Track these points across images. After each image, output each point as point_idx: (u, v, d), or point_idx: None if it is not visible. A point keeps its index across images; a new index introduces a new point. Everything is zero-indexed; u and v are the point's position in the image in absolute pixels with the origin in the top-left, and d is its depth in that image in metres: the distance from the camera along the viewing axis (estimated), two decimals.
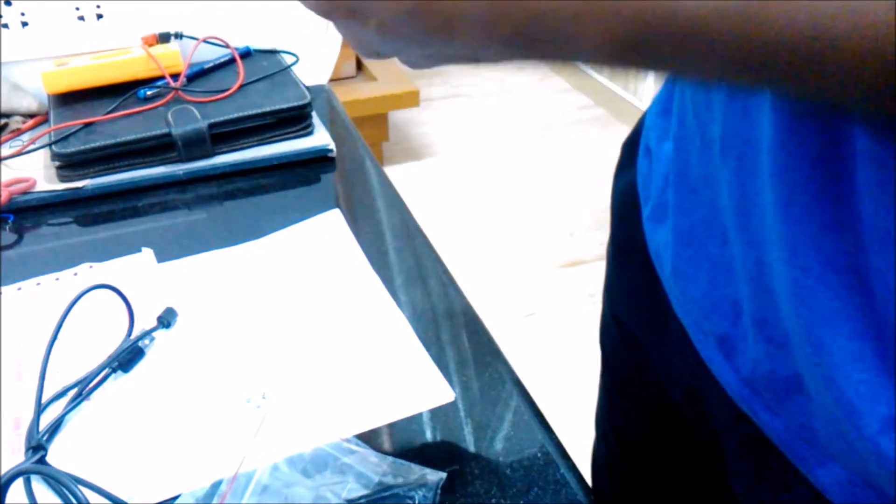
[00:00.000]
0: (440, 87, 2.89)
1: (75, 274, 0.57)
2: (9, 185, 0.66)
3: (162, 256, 0.59)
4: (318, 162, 0.73)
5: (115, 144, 0.68)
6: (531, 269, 1.95)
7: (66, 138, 0.68)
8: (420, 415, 0.46)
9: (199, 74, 0.78)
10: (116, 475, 0.42)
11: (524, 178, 2.33)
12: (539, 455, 0.44)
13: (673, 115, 0.45)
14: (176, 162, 0.70)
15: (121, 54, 0.76)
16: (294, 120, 0.73)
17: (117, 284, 0.50)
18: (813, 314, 0.32)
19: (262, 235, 0.61)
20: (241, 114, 0.71)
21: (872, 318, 0.30)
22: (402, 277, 0.57)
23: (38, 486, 0.40)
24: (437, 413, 0.46)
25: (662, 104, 0.49)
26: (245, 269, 0.58)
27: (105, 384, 0.47)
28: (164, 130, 0.69)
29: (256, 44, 0.83)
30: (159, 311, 0.52)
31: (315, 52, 0.86)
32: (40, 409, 0.44)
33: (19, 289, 0.56)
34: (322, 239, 0.61)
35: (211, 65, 0.80)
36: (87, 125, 0.70)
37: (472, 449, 0.44)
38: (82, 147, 0.67)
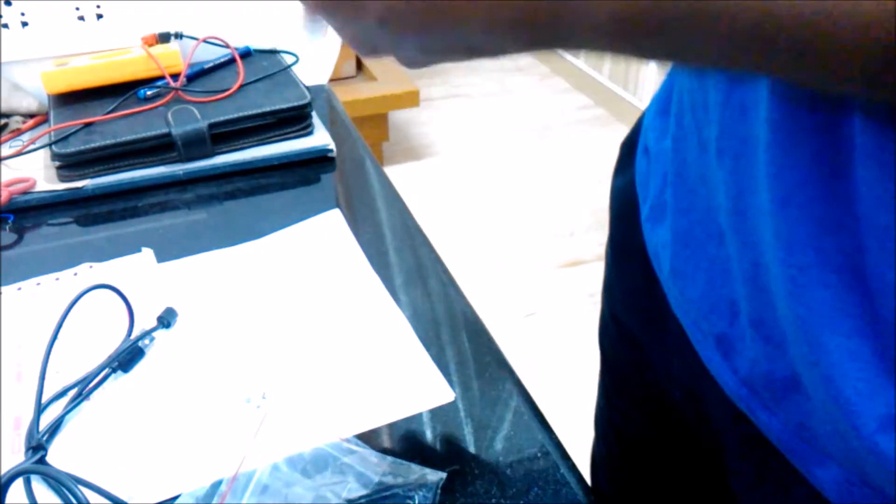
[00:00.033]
0: (440, 87, 2.89)
1: (75, 274, 0.57)
2: (9, 185, 0.66)
3: (162, 256, 0.59)
4: (318, 162, 0.73)
5: (115, 144, 0.68)
6: (531, 269, 1.95)
7: (66, 138, 0.68)
8: (420, 415, 0.46)
9: (199, 74, 0.78)
10: (116, 475, 0.42)
11: (524, 178, 2.33)
12: (539, 455, 0.44)
13: (671, 114, 0.45)
14: (176, 162, 0.70)
15: (121, 54, 0.76)
16: (294, 120, 0.73)
17: (117, 284, 0.50)
18: (810, 313, 0.32)
19: (262, 235, 0.61)
20: (241, 114, 0.71)
21: (870, 317, 0.30)
22: (402, 277, 0.57)
23: (38, 486, 0.40)
24: (437, 413, 0.46)
25: (661, 104, 0.49)
26: (245, 269, 0.58)
27: (105, 384, 0.47)
28: (164, 130, 0.69)
29: (256, 44, 0.83)
30: (159, 311, 0.52)
31: (315, 52, 0.86)
32: (40, 409, 0.44)
33: (19, 289, 0.56)
34: (322, 239, 0.61)
35: (211, 65, 0.80)
36: (87, 125, 0.70)
37: (472, 449, 0.44)
38: (82, 147, 0.67)
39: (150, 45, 0.77)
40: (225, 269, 0.58)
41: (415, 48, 0.29)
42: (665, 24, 0.23)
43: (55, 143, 0.67)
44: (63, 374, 0.48)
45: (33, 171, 0.69)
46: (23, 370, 0.49)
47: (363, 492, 0.40)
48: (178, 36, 0.79)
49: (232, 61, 0.81)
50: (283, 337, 0.51)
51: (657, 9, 0.23)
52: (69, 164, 0.67)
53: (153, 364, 0.49)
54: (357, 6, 0.27)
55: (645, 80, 2.54)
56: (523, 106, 2.78)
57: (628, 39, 0.24)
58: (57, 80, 0.73)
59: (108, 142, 0.68)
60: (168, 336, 0.51)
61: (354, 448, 0.42)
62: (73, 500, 0.39)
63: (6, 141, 0.73)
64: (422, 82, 2.57)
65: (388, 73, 2.32)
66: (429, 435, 0.45)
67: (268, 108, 0.72)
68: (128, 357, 0.48)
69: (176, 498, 0.41)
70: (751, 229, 0.35)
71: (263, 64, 0.81)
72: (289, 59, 0.82)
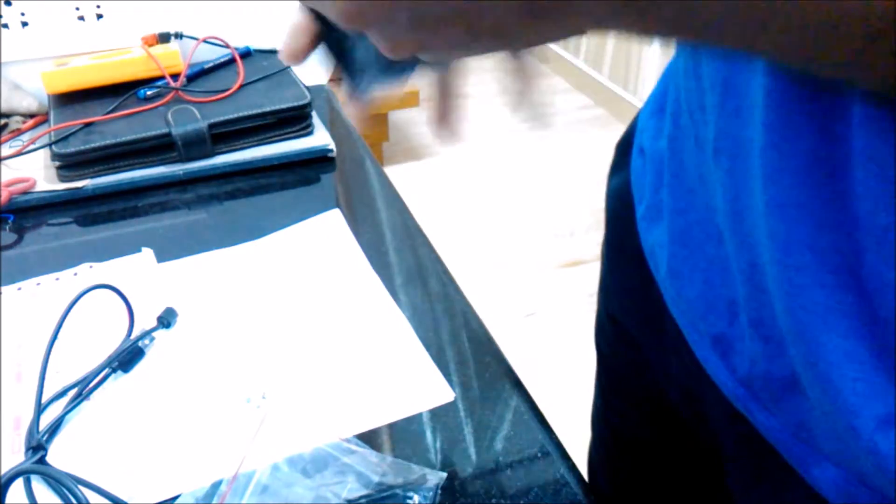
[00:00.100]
0: None
1: (75, 274, 0.57)
2: (9, 185, 0.66)
3: (162, 256, 0.59)
4: (318, 162, 0.73)
5: (115, 144, 0.68)
6: (531, 269, 1.95)
7: (66, 138, 0.68)
8: (420, 415, 0.46)
9: (199, 74, 0.78)
10: (116, 475, 0.42)
11: (524, 178, 2.33)
12: (539, 455, 0.44)
13: (667, 114, 0.45)
14: (176, 162, 0.70)
15: (121, 54, 0.76)
16: (294, 120, 0.73)
17: (117, 284, 0.50)
18: (808, 313, 0.32)
19: (262, 235, 0.61)
20: (241, 114, 0.71)
21: (868, 317, 0.30)
22: (402, 277, 0.57)
23: (38, 486, 0.40)
24: (437, 413, 0.46)
25: (656, 104, 0.49)
26: (245, 269, 0.58)
27: (105, 384, 0.47)
28: (164, 130, 0.69)
29: (256, 44, 0.83)
30: (159, 311, 0.52)
31: (315, 51, 0.86)
32: (40, 409, 0.44)
33: (19, 289, 0.56)
34: (322, 239, 0.61)
35: (211, 65, 0.80)
36: (87, 125, 0.70)
37: (472, 449, 0.44)
38: (82, 147, 0.67)
39: (150, 45, 0.77)
40: (225, 269, 0.58)
41: (456, 49, 0.27)
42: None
43: (55, 143, 0.67)
44: (63, 374, 0.48)
45: (33, 171, 0.69)
46: (23, 370, 0.49)
47: (363, 492, 0.40)
48: (178, 36, 0.79)
49: (232, 61, 0.81)
50: (283, 337, 0.51)
51: None
52: (69, 164, 0.67)
53: (153, 364, 0.49)
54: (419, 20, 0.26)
55: (645, 80, 2.54)
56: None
57: (638, 16, 0.24)
58: (57, 80, 0.73)
59: (108, 142, 0.68)
60: (168, 336, 0.51)
61: (354, 448, 0.42)
62: (73, 500, 0.39)
63: (6, 141, 0.73)
64: (422, 82, 2.57)
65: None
66: (429, 435, 0.45)
67: (268, 108, 0.72)
68: (128, 357, 0.48)
69: (176, 498, 0.41)
70: (748, 230, 0.35)
71: (263, 64, 0.81)
72: None
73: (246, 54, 0.82)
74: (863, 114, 0.27)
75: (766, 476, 0.41)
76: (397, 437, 0.45)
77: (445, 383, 0.48)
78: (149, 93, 0.73)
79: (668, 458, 0.58)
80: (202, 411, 0.46)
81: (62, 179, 0.68)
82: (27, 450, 0.42)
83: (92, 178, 0.68)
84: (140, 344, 0.49)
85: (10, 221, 0.65)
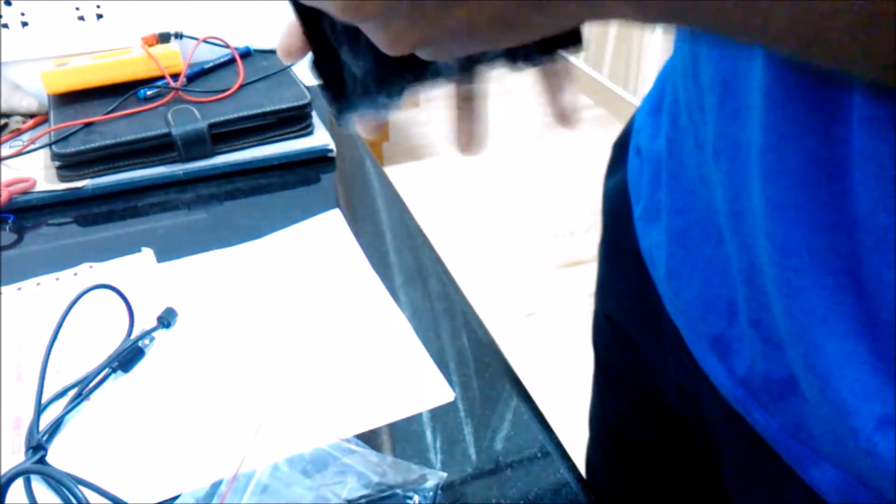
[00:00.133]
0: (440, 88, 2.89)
1: (75, 274, 0.57)
2: (9, 185, 0.66)
3: (162, 256, 0.59)
4: (318, 162, 0.73)
5: (115, 144, 0.68)
6: (531, 269, 1.95)
7: (66, 138, 0.68)
8: (420, 415, 0.46)
9: (199, 74, 0.78)
10: (116, 475, 0.42)
11: (524, 178, 2.33)
12: (539, 455, 0.44)
13: (664, 114, 0.45)
14: (176, 162, 0.70)
15: (121, 54, 0.76)
16: (294, 120, 0.73)
17: (117, 284, 0.50)
18: (806, 314, 0.32)
19: (262, 235, 0.61)
20: (241, 114, 0.71)
21: (866, 317, 0.30)
22: (402, 277, 0.57)
23: (38, 486, 0.40)
24: (437, 413, 0.46)
25: (653, 104, 0.49)
26: (245, 269, 0.58)
27: (105, 384, 0.47)
28: (164, 130, 0.69)
29: (256, 44, 0.83)
30: (159, 311, 0.52)
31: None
32: (40, 409, 0.44)
33: (19, 289, 0.56)
34: (322, 239, 0.61)
35: (211, 65, 0.80)
36: (87, 125, 0.70)
37: (472, 449, 0.44)
38: (82, 147, 0.67)
39: (150, 45, 0.77)
40: (225, 269, 0.58)
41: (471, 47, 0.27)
42: None
43: (55, 143, 0.67)
44: (63, 374, 0.48)
45: (33, 171, 0.69)
46: (23, 370, 0.49)
47: (363, 492, 0.40)
48: (178, 36, 0.79)
49: (232, 61, 0.81)
50: (283, 337, 0.51)
51: None
52: (69, 164, 0.67)
53: (153, 364, 0.49)
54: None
55: (645, 80, 2.54)
56: (523, 106, 2.78)
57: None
58: (57, 80, 0.73)
59: (108, 142, 0.68)
60: (168, 336, 0.51)
61: (354, 448, 0.42)
62: (73, 500, 0.39)
63: (6, 141, 0.73)
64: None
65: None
66: (429, 435, 0.45)
67: (268, 108, 0.72)
68: (128, 357, 0.48)
69: (176, 498, 0.41)
70: (747, 231, 0.35)
71: (263, 64, 0.81)
72: None
73: (246, 54, 0.82)
74: (862, 114, 0.27)
75: (765, 477, 0.41)
76: (397, 437, 0.45)
77: (445, 383, 0.48)
78: (149, 93, 0.73)
79: (666, 459, 0.58)
80: (202, 411, 0.46)
81: (62, 179, 0.68)
82: (27, 450, 0.42)
83: (92, 178, 0.68)
84: (140, 344, 0.49)
85: (10, 221, 0.65)
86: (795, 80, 0.29)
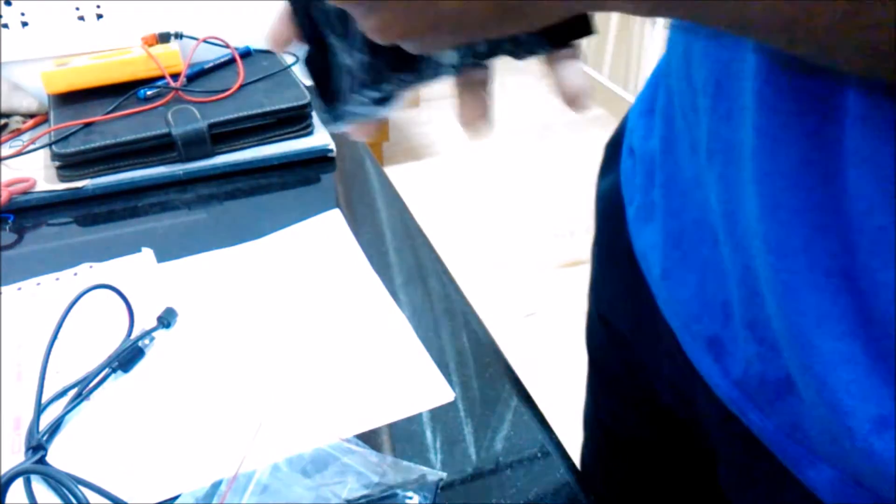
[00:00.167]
0: (440, 87, 2.88)
1: (75, 274, 0.57)
2: (9, 185, 0.66)
3: (162, 256, 0.59)
4: (318, 162, 0.73)
5: (115, 144, 0.68)
6: (531, 269, 1.95)
7: (66, 138, 0.68)
8: (420, 415, 0.46)
9: (199, 74, 0.78)
10: (116, 475, 0.42)
11: (524, 178, 2.33)
12: (539, 455, 0.44)
13: (657, 115, 0.45)
14: (176, 162, 0.70)
15: (121, 54, 0.76)
16: (294, 120, 0.73)
17: (117, 284, 0.50)
18: (802, 316, 0.32)
19: (262, 235, 0.61)
20: (241, 114, 0.71)
21: (862, 319, 0.30)
22: (402, 277, 0.57)
23: (38, 486, 0.40)
24: (437, 413, 0.46)
25: (645, 104, 0.49)
26: (245, 269, 0.58)
27: (105, 384, 0.47)
28: (164, 130, 0.69)
29: (256, 44, 0.83)
30: (159, 311, 0.52)
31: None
32: (40, 409, 0.44)
33: (19, 289, 0.56)
34: (322, 239, 0.61)
35: (211, 65, 0.80)
36: (87, 125, 0.70)
37: (472, 449, 0.44)
38: (82, 147, 0.67)
39: (150, 45, 0.77)
40: (225, 269, 0.58)
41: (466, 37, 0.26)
42: None
43: (55, 143, 0.67)
44: (63, 374, 0.48)
45: (33, 171, 0.69)
46: (23, 370, 0.49)
47: (363, 492, 0.40)
48: (178, 36, 0.79)
49: (232, 61, 0.81)
50: (283, 337, 0.51)
51: None
52: (69, 164, 0.67)
53: (153, 364, 0.49)
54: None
55: (645, 80, 2.54)
56: (523, 106, 2.78)
57: None
58: (57, 80, 0.73)
59: (108, 142, 0.68)
60: (168, 336, 0.51)
61: (354, 448, 0.42)
62: (73, 500, 0.39)
63: (6, 141, 0.73)
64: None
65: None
66: (429, 435, 0.45)
67: (268, 108, 0.72)
68: (128, 357, 0.48)
69: (176, 498, 0.41)
70: (742, 233, 0.35)
71: (263, 64, 0.81)
72: (289, 59, 0.82)
73: (246, 54, 0.82)
74: (856, 114, 0.27)
75: (760, 477, 0.41)
76: (397, 437, 0.45)
77: (445, 383, 0.48)
78: (149, 93, 0.73)
79: (662, 460, 0.58)
80: (202, 411, 0.46)
81: (62, 179, 0.68)
82: (27, 450, 0.42)
83: (92, 178, 0.68)
84: (140, 344, 0.49)
85: (10, 221, 0.65)
86: (788, 81, 0.29)
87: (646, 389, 0.52)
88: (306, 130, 0.74)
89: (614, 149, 0.53)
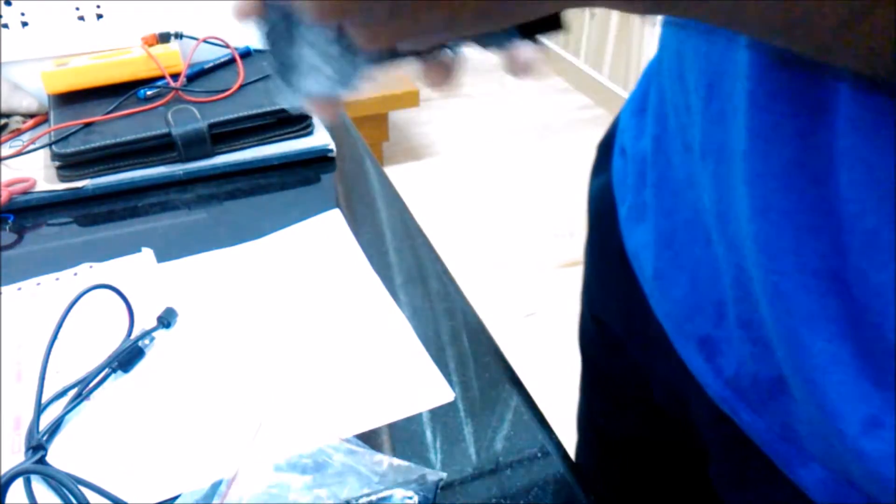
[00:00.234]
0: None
1: (75, 274, 0.57)
2: (9, 185, 0.66)
3: (162, 256, 0.59)
4: (318, 162, 0.73)
5: (115, 144, 0.68)
6: (531, 269, 1.95)
7: (66, 138, 0.68)
8: (420, 415, 0.46)
9: (199, 74, 0.78)
10: (116, 475, 0.42)
11: (524, 178, 2.33)
12: (539, 455, 0.44)
13: (648, 114, 0.45)
14: (176, 162, 0.70)
15: (121, 54, 0.76)
16: (294, 120, 0.73)
17: (117, 284, 0.50)
18: (792, 317, 0.32)
19: (262, 235, 0.61)
20: (241, 114, 0.71)
21: (852, 320, 0.30)
22: (402, 277, 0.57)
23: (38, 486, 0.40)
24: (437, 413, 0.46)
25: (637, 104, 0.49)
26: (245, 269, 0.58)
27: (105, 384, 0.47)
28: (164, 130, 0.69)
29: (256, 44, 0.83)
30: (159, 311, 0.52)
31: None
32: (40, 409, 0.44)
33: (19, 289, 0.56)
34: (322, 239, 0.61)
35: (211, 65, 0.80)
36: (87, 125, 0.70)
37: (472, 449, 0.44)
38: (82, 147, 0.67)
39: (150, 45, 0.77)
40: (225, 269, 0.58)
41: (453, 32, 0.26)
42: None
43: (55, 143, 0.67)
44: (63, 374, 0.48)
45: (33, 171, 0.69)
46: (23, 370, 0.49)
47: (363, 492, 0.40)
48: (178, 36, 0.79)
49: (232, 61, 0.81)
50: (283, 337, 0.51)
51: None
52: (69, 164, 0.67)
53: (153, 364, 0.49)
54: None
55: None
56: (523, 106, 2.78)
57: None
58: (57, 80, 0.73)
59: (108, 142, 0.68)
60: (168, 336, 0.51)
61: (354, 448, 0.42)
62: (73, 500, 0.39)
63: (6, 141, 0.73)
64: (422, 82, 2.57)
65: (388, 73, 2.32)
66: (429, 435, 0.45)
67: (268, 108, 0.72)
68: (128, 357, 0.48)
69: (176, 498, 0.41)
70: (733, 233, 0.35)
71: (263, 64, 0.81)
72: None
73: (246, 54, 0.82)
74: (849, 115, 0.27)
75: (752, 476, 0.41)
76: (397, 437, 0.45)
77: (445, 383, 0.48)
78: (149, 93, 0.73)
79: (655, 460, 0.58)
80: (202, 411, 0.46)
81: (62, 179, 0.68)
82: (27, 450, 0.42)
83: (92, 178, 0.68)
84: (140, 344, 0.49)
85: (10, 221, 0.65)
86: (780, 82, 0.29)
87: (639, 389, 0.52)
88: (306, 130, 0.74)
89: (606, 149, 0.53)
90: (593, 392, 0.62)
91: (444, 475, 0.41)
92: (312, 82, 0.30)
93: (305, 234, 0.62)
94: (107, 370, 0.47)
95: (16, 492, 0.40)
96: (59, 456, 0.43)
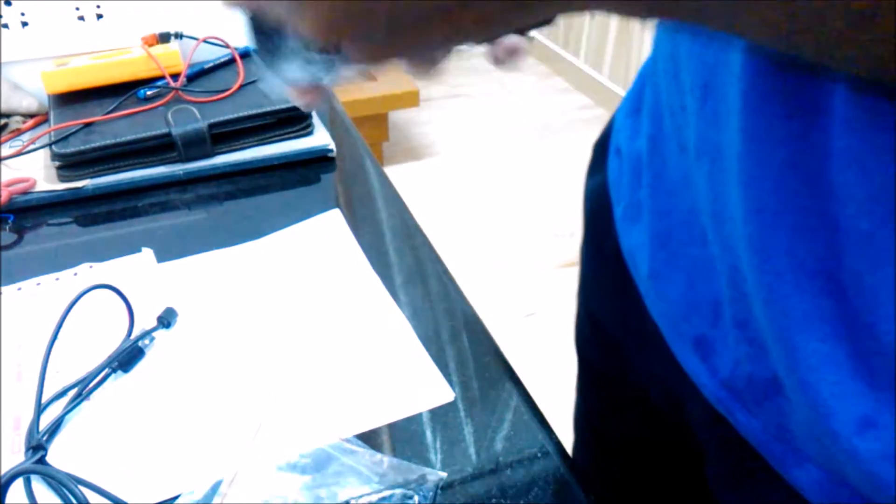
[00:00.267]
0: (440, 87, 2.89)
1: (75, 274, 0.57)
2: (9, 185, 0.66)
3: (162, 256, 0.59)
4: (318, 162, 0.73)
5: (115, 144, 0.68)
6: (531, 269, 1.95)
7: (66, 138, 0.68)
8: (420, 415, 0.46)
9: (199, 74, 0.78)
10: (116, 475, 0.42)
11: (524, 178, 2.33)
12: (539, 455, 0.44)
13: (644, 114, 0.45)
14: (176, 162, 0.70)
15: (121, 54, 0.76)
16: (294, 120, 0.73)
17: (117, 284, 0.50)
18: (786, 318, 0.32)
19: (262, 235, 0.61)
20: (241, 114, 0.71)
21: (845, 321, 0.30)
22: (402, 277, 0.57)
23: (38, 486, 0.40)
24: (437, 413, 0.46)
25: (632, 104, 0.49)
26: (245, 269, 0.58)
27: (105, 384, 0.47)
28: (164, 130, 0.69)
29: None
30: (159, 311, 0.52)
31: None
32: (40, 409, 0.44)
33: (19, 289, 0.56)
34: (322, 239, 0.61)
35: (211, 65, 0.80)
36: (87, 125, 0.70)
37: (472, 449, 0.44)
38: (82, 147, 0.67)
39: (150, 45, 0.77)
40: (225, 269, 0.58)
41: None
42: None
43: (55, 143, 0.67)
44: (63, 374, 0.48)
45: (33, 171, 0.69)
46: (23, 370, 0.49)
47: (363, 492, 0.40)
48: (178, 36, 0.79)
49: (232, 61, 0.81)
50: (283, 337, 0.51)
51: None
52: (69, 164, 0.67)
53: (153, 364, 0.49)
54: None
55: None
56: (523, 106, 2.78)
57: None
58: (57, 80, 0.73)
59: (108, 142, 0.68)
60: (168, 336, 0.51)
61: (354, 448, 0.42)
62: (73, 500, 0.39)
63: (6, 141, 0.73)
64: (422, 82, 2.57)
65: (388, 73, 2.32)
66: (429, 435, 0.45)
67: (268, 108, 0.72)
68: (128, 357, 0.48)
69: (176, 498, 0.41)
70: (728, 234, 0.35)
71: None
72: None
73: (246, 54, 0.82)
74: (846, 117, 0.27)
75: (747, 477, 0.41)
76: (397, 437, 0.45)
77: (445, 383, 0.48)
78: (149, 93, 0.73)
79: (652, 459, 0.58)
80: (202, 411, 0.46)
81: (62, 179, 0.68)
82: (27, 450, 0.42)
83: (92, 178, 0.68)
84: (140, 344, 0.49)
85: (10, 221, 0.65)
86: (774, 83, 0.29)
87: (635, 389, 0.52)
88: (306, 130, 0.74)
89: (602, 149, 0.54)
90: (589, 392, 0.62)
91: (444, 475, 0.41)
92: (296, 69, 0.30)
93: (305, 234, 0.62)
94: (107, 370, 0.47)
95: (16, 492, 0.40)
96: (59, 456, 0.43)
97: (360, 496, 0.40)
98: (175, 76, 0.75)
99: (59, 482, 0.39)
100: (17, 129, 0.75)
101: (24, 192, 0.66)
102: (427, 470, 0.41)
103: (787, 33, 0.22)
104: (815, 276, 0.30)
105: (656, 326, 0.44)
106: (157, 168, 0.70)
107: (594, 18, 2.79)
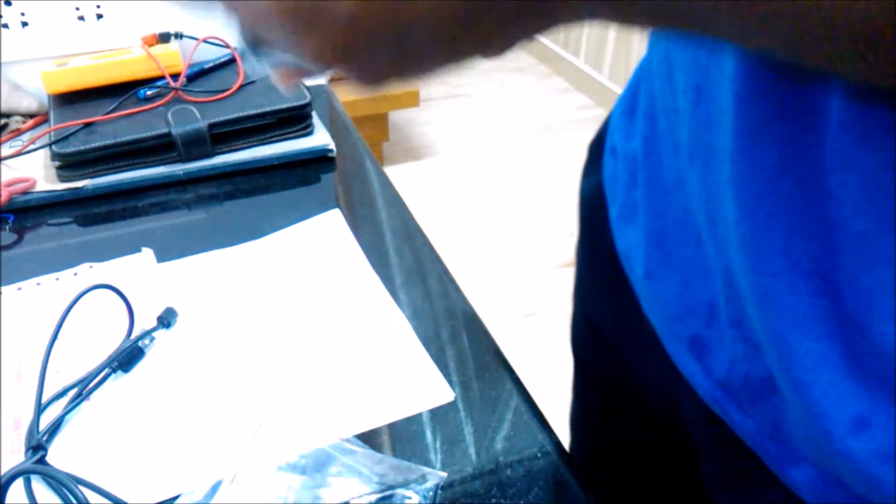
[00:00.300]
0: (440, 87, 2.89)
1: (75, 274, 0.57)
2: (9, 185, 0.66)
3: (162, 256, 0.59)
4: (318, 162, 0.73)
5: (115, 144, 0.68)
6: (531, 269, 1.95)
7: (66, 138, 0.68)
8: (420, 415, 0.46)
9: (199, 74, 0.78)
10: (116, 475, 0.42)
11: (524, 178, 2.33)
12: (539, 455, 0.44)
13: (638, 115, 0.45)
14: (176, 162, 0.70)
15: (121, 54, 0.76)
16: (294, 120, 0.73)
17: (117, 284, 0.50)
18: (780, 318, 0.32)
19: (262, 235, 0.61)
20: (241, 114, 0.71)
21: (840, 321, 0.30)
22: (402, 277, 0.57)
23: (38, 486, 0.40)
24: (437, 413, 0.46)
25: (627, 105, 0.49)
26: (245, 269, 0.58)
27: (105, 384, 0.47)
28: (164, 130, 0.69)
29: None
30: (159, 311, 0.52)
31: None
32: (40, 409, 0.44)
33: (19, 289, 0.56)
34: (322, 239, 0.61)
35: (211, 65, 0.80)
36: (87, 125, 0.70)
37: (472, 449, 0.44)
38: (82, 147, 0.67)
39: (150, 45, 0.77)
40: (225, 269, 0.58)
41: (388, 50, 0.25)
42: None
43: (55, 143, 0.67)
44: (63, 374, 0.48)
45: (33, 171, 0.69)
46: (23, 370, 0.49)
47: (363, 492, 0.40)
48: (178, 36, 0.79)
49: (232, 61, 0.81)
50: (283, 337, 0.51)
51: None
52: (69, 164, 0.67)
53: (153, 364, 0.49)
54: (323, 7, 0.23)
55: None
56: (523, 106, 2.78)
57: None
58: (57, 80, 0.73)
59: (108, 142, 0.68)
60: (168, 336, 0.51)
61: (354, 448, 0.42)
62: (73, 500, 0.39)
63: (6, 141, 0.73)
64: (422, 82, 2.57)
65: None
66: (429, 435, 0.45)
67: (268, 108, 0.72)
68: (128, 357, 0.48)
69: (176, 498, 0.41)
70: (722, 235, 0.35)
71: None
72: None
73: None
74: (841, 119, 0.27)
75: (743, 477, 0.41)
76: (397, 437, 0.45)
77: (445, 383, 0.48)
78: (149, 93, 0.73)
79: (648, 460, 0.58)
80: (202, 411, 0.46)
81: (62, 179, 0.68)
82: (27, 450, 0.42)
83: (92, 178, 0.68)
84: (140, 344, 0.49)
85: (10, 221, 0.65)
86: (767, 85, 0.29)
87: (631, 390, 0.52)
88: (306, 130, 0.74)
89: (597, 149, 0.54)
90: (585, 392, 0.62)
91: (444, 475, 0.41)
92: (278, 51, 0.30)
93: (305, 234, 0.62)
94: (107, 370, 0.47)
95: (16, 492, 0.40)
96: (59, 456, 0.43)
97: (360, 496, 0.40)
98: (175, 76, 0.75)
99: (59, 482, 0.39)
100: (17, 129, 0.75)
101: (24, 192, 0.66)
102: (427, 470, 0.41)
103: (792, 42, 0.22)
104: (810, 277, 0.30)
105: (651, 327, 0.45)
106: (157, 168, 0.70)
107: None
